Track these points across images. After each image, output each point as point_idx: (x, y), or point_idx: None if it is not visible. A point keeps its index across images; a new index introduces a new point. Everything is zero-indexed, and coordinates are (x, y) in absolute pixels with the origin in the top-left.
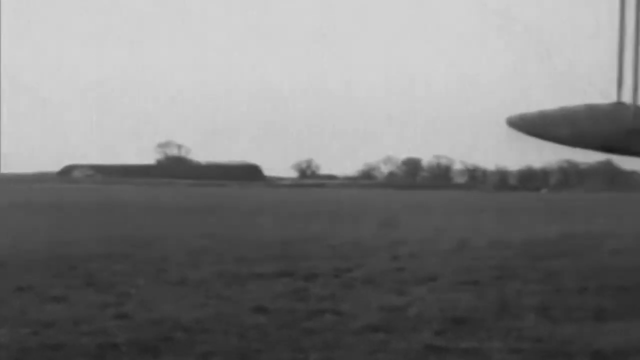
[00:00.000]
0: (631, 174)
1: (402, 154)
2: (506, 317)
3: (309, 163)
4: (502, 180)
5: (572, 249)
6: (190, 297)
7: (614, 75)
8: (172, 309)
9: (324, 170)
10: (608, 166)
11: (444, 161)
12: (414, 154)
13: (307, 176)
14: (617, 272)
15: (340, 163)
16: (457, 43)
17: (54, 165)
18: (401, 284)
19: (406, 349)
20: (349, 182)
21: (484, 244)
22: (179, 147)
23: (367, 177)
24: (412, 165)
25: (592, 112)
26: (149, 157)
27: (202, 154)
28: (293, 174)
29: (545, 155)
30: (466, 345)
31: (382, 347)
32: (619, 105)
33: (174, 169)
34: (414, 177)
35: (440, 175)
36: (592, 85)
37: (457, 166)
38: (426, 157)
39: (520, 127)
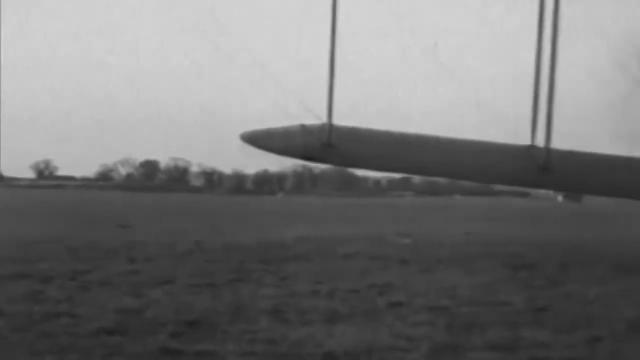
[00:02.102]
0: (363, 180)
1: (140, 156)
2: (241, 319)
3: (46, 164)
4: (238, 184)
5: (305, 252)
6: None
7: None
8: None
9: (63, 171)
10: (341, 171)
11: (181, 163)
12: (151, 156)
13: (45, 177)
14: (348, 275)
15: (78, 164)
16: None
17: None
18: (137, 286)
19: (141, 352)
20: (88, 184)
21: (219, 247)
22: None
23: (104, 179)
24: (150, 167)
25: (506, 150)
26: None
27: None
28: (31, 174)
29: (281, 159)
30: (201, 347)
31: (117, 350)
32: (531, 146)
33: None
34: (151, 179)
35: (178, 178)
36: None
37: (195, 169)
38: (164, 159)
39: (253, 142)
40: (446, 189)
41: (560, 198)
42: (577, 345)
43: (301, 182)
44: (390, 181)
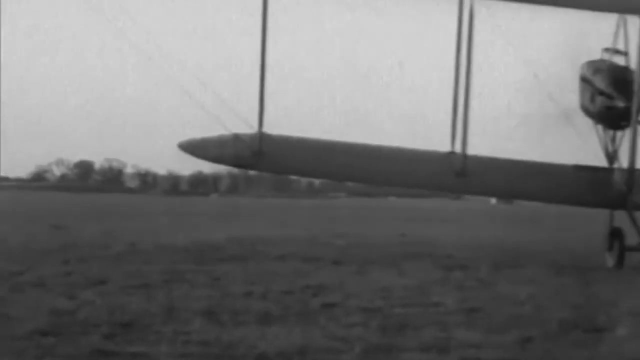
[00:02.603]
0: (297, 181)
1: (74, 156)
2: (174, 321)
3: None
4: (173, 185)
5: (239, 253)
6: None
7: None
8: None
9: None
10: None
11: (116, 164)
12: (85, 157)
13: None
14: (281, 276)
15: (11, 165)
16: None
17: None
18: (71, 287)
19: (75, 354)
20: (22, 184)
21: (154, 248)
22: None
23: (39, 180)
24: (84, 168)
25: (426, 156)
26: None
27: None
28: None
29: None
30: (134, 349)
31: (49, 351)
32: (451, 153)
33: None
34: (86, 180)
35: (113, 179)
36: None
37: (129, 170)
38: (98, 160)
39: (189, 151)
40: (381, 190)
41: (493, 200)
42: (508, 345)
43: (236, 184)
44: (324, 183)
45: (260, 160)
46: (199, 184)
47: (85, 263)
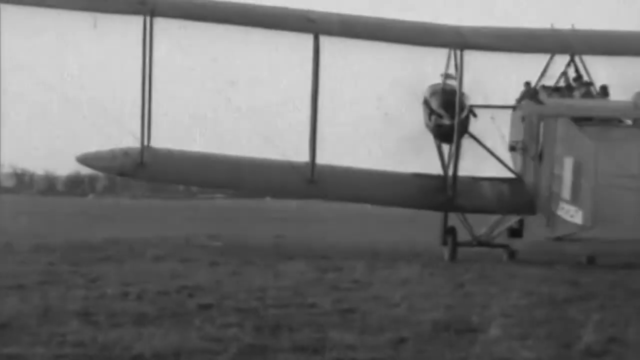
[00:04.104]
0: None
1: None
2: (50, 322)
3: None
4: (49, 185)
5: (115, 254)
6: None
7: None
8: None
9: None
10: None
11: None
12: None
13: None
14: (157, 277)
15: None
16: None
17: None
18: None
19: None
20: None
21: (29, 248)
22: None
23: None
24: None
25: (280, 166)
26: None
27: None
28: None
29: None
30: (9, 351)
31: None
32: (305, 163)
33: None
34: None
35: None
36: None
37: (6, 169)
38: None
39: (84, 162)
40: None
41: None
42: (382, 346)
43: (113, 184)
44: None
45: (141, 171)
46: (75, 184)
47: None
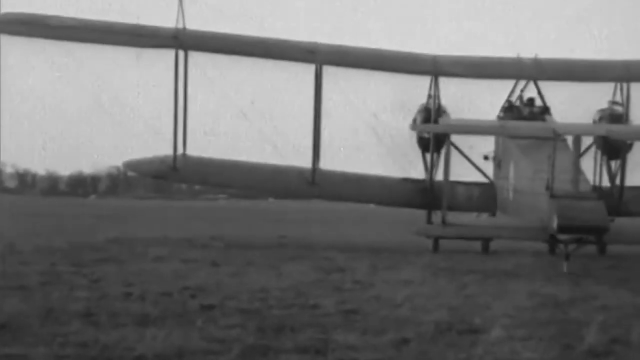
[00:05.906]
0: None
1: None
2: (52, 322)
3: None
4: (52, 185)
5: (117, 254)
6: None
7: None
8: None
9: None
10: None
11: None
12: None
13: None
14: (160, 278)
15: None
16: None
17: None
18: None
19: None
20: None
21: (32, 249)
22: None
23: None
24: None
25: (286, 171)
26: None
27: None
28: None
29: (95, 161)
30: (10, 351)
31: None
32: (307, 168)
33: None
34: None
35: None
36: None
37: (8, 170)
38: None
39: (131, 168)
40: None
41: None
42: (385, 347)
43: (115, 185)
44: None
45: (174, 174)
46: (78, 185)
47: None
